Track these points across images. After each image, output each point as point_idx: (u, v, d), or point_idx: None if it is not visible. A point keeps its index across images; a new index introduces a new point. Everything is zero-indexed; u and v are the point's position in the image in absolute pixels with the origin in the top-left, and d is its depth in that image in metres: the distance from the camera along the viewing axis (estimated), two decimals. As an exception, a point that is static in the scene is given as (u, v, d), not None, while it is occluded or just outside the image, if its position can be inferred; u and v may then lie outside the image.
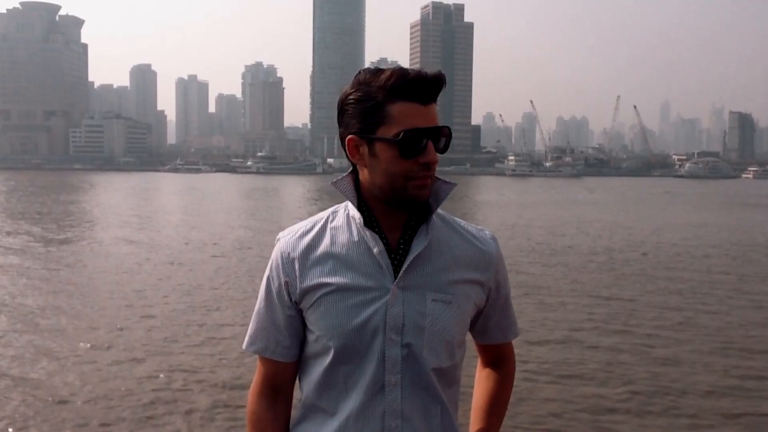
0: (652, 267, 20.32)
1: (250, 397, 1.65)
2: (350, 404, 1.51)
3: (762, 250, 25.09)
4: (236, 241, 26.41)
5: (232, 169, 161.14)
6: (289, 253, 1.56)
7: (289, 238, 1.58)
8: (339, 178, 1.56)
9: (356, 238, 1.53)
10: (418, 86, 1.45)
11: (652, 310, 14.17)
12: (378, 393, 1.49)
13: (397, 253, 1.52)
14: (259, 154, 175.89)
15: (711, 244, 26.78)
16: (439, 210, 1.57)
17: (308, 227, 1.59)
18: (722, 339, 11.88)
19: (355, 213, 1.54)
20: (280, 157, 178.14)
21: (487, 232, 1.64)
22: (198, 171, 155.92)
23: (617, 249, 24.59)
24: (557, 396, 8.90)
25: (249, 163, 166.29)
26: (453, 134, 1.55)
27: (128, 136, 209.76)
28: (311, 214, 1.60)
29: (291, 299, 1.55)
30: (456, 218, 1.64)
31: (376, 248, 1.50)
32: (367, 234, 1.51)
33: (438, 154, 1.48)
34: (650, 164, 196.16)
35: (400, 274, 1.49)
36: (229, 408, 8.41)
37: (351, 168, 1.58)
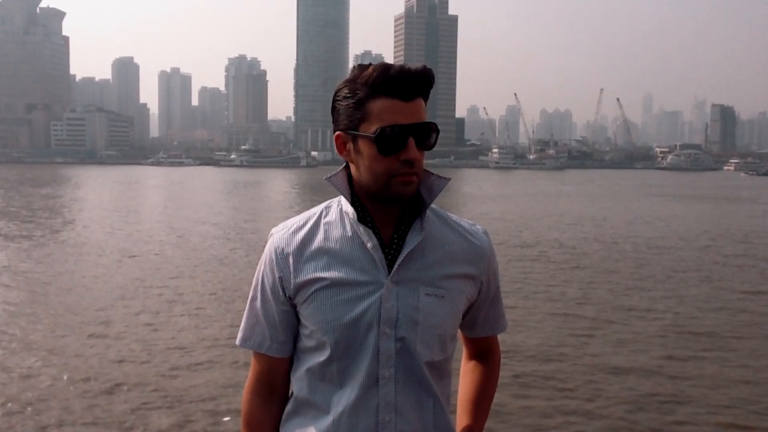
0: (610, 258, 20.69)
1: (244, 396, 1.64)
2: (344, 398, 1.50)
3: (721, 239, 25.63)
4: (223, 232, 26.49)
5: (216, 163, 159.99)
6: (283, 249, 1.55)
7: (282, 234, 1.57)
8: (333, 173, 1.55)
9: (350, 233, 1.52)
10: (399, 82, 1.43)
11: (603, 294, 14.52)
12: (372, 387, 1.49)
13: (390, 248, 1.52)
14: (243, 147, 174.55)
15: (679, 236, 27.27)
16: (431, 205, 1.56)
17: (301, 223, 1.58)
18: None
19: (348, 208, 1.53)
20: (263, 150, 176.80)
21: (479, 227, 1.64)
22: (181, 164, 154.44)
23: (577, 240, 24.97)
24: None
25: (233, 156, 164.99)
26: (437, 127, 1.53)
27: (110, 130, 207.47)
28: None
29: (285, 294, 1.55)
30: (448, 213, 1.64)
31: (370, 243, 1.50)
32: (361, 229, 1.50)
33: (424, 150, 1.48)
34: (633, 157, 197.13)
35: (394, 269, 1.49)
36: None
37: (345, 163, 1.57)
